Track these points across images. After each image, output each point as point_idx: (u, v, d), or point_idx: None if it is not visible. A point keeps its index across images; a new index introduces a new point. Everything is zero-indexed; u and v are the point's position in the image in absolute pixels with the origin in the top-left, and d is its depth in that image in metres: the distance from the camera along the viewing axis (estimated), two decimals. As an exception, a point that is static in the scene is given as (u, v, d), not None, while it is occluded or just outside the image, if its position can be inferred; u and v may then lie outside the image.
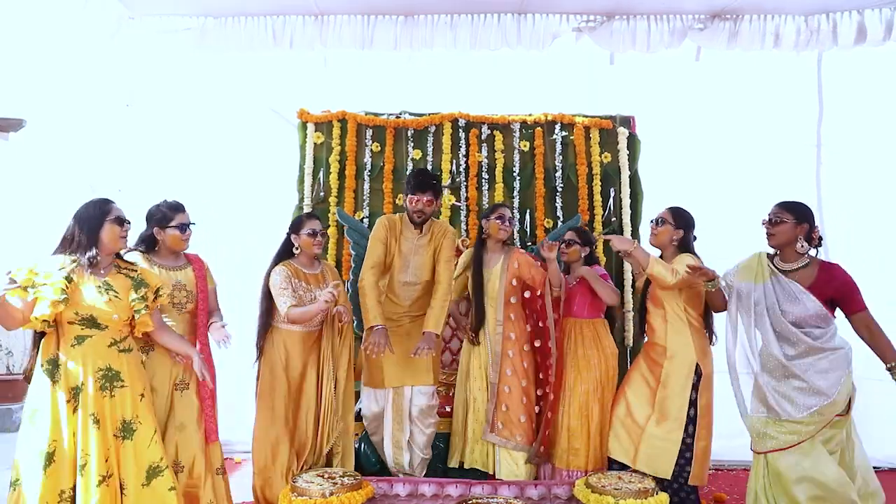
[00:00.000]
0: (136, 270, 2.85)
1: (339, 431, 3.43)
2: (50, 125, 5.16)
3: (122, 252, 2.90)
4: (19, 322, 2.58)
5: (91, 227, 2.70)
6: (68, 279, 2.61)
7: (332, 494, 3.00)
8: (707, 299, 3.32)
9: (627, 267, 4.42)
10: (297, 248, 3.46)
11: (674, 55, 4.59)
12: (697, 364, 3.31)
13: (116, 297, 2.70)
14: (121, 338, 2.73)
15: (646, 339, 3.58)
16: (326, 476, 3.16)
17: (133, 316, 2.75)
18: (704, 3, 4.36)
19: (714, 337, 3.44)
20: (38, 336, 2.69)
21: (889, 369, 2.91)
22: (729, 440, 4.01)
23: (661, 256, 3.48)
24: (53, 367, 2.61)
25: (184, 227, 3.14)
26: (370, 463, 3.79)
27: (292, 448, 3.37)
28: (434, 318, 3.54)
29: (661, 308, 3.40)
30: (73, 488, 2.55)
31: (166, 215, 3.12)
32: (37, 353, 2.66)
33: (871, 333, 2.94)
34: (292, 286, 3.34)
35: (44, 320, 2.56)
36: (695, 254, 3.41)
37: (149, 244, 3.15)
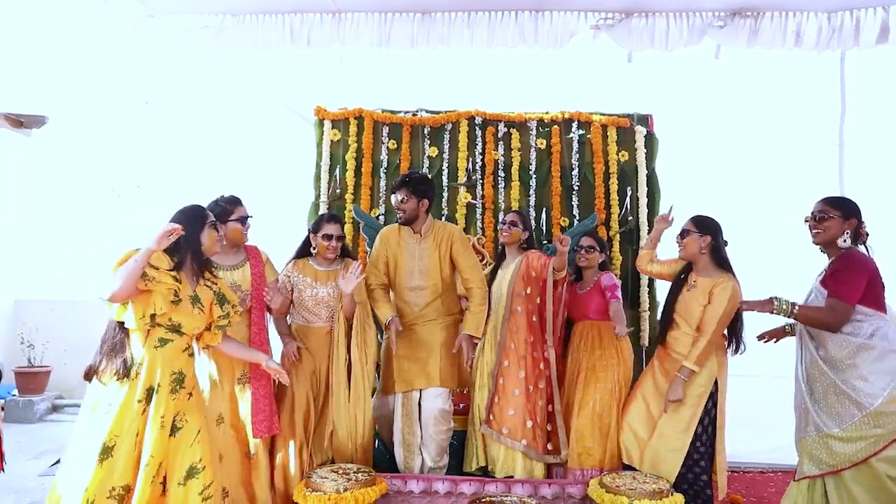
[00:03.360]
0: (217, 283, 2.84)
1: (356, 427, 3.44)
2: (71, 122, 5.23)
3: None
4: (130, 294, 2.49)
5: (193, 230, 2.68)
6: (177, 280, 2.61)
7: (345, 490, 3.01)
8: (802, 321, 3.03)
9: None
10: (314, 248, 3.51)
11: (693, 53, 4.54)
12: (716, 378, 3.27)
13: (202, 310, 2.71)
14: (191, 343, 2.75)
15: (663, 343, 3.51)
16: (340, 472, 3.17)
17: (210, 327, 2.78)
18: (724, 0, 4.30)
19: (742, 346, 3.34)
20: (121, 330, 2.62)
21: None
22: (745, 444, 3.98)
23: (693, 267, 3.37)
24: (133, 364, 2.58)
25: (244, 220, 3.19)
26: (384, 459, 3.80)
27: (308, 443, 3.38)
28: (472, 320, 3.54)
29: (693, 325, 3.29)
30: (126, 487, 2.51)
31: (226, 209, 3.17)
32: (111, 350, 2.60)
33: (814, 311, 2.90)
34: (292, 284, 3.45)
35: (151, 316, 2.53)
36: (729, 268, 3.29)
37: None
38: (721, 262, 3.31)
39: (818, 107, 4.76)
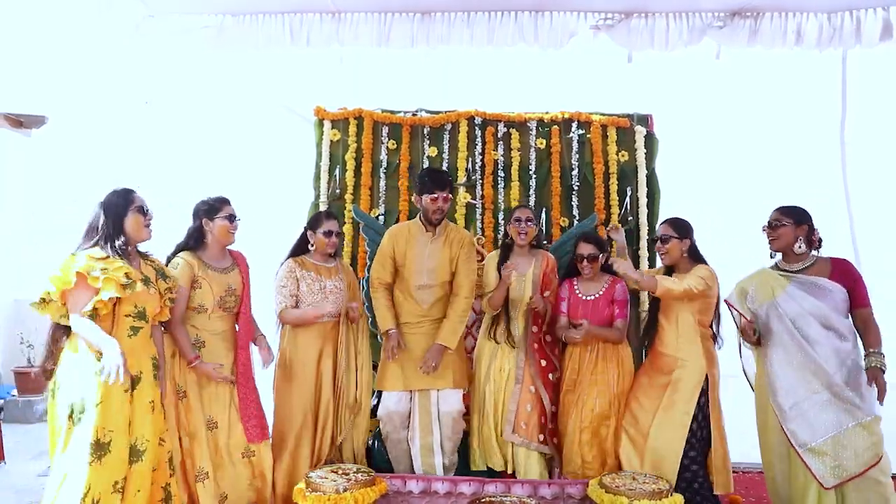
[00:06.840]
0: (154, 261, 2.91)
1: (351, 424, 3.45)
2: (71, 122, 5.23)
3: (170, 253, 3.09)
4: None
5: (116, 215, 2.73)
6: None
7: (345, 490, 3.01)
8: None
9: (643, 267, 4.38)
10: (311, 245, 3.53)
11: (693, 53, 4.53)
12: (706, 372, 3.31)
13: (154, 288, 2.76)
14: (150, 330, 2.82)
15: (651, 346, 3.56)
16: (340, 472, 3.17)
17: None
18: (724, 0, 4.30)
19: (720, 340, 3.44)
20: (61, 331, 2.70)
21: (867, 354, 3.02)
22: (744, 444, 3.97)
23: (675, 270, 3.45)
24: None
25: (232, 218, 3.19)
26: (383, 460, 3.79)
27: (308, 441, 3.39)
28: (448, 329, 3.51)
29: (674, 321, 3.39)
30: (125, 478, 2.55)
31: (214, 206, 3.19)
32: (57, 348, 2.68)
33: (867, 327, 3.06)
34: (297, 278, 3.43)
35: (95, 308, 2.58)
36: (702, 260, 3.42)
37: (197, 238, 3.20)
38: (696, 259, 3.42)
39: (820, 106, 4.76)
